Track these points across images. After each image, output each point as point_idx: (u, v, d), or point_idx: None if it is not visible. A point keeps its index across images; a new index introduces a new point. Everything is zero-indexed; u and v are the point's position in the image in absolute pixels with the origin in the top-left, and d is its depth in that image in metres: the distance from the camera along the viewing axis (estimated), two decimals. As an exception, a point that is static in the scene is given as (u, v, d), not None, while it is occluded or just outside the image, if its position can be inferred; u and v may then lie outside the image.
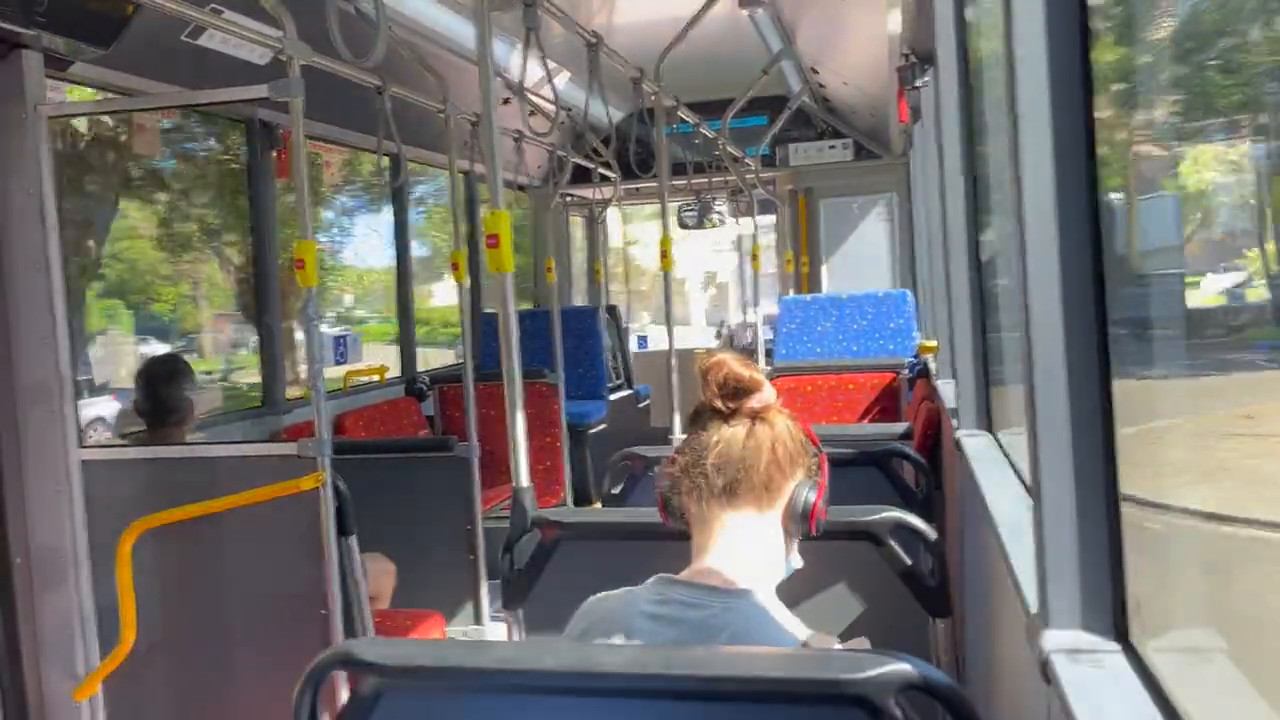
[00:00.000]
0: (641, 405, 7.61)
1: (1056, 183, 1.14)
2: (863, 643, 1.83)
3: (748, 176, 6.91)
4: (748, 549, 1.58)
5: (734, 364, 1.61)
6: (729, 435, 1.59)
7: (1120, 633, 1.14)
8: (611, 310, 7.55)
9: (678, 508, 1.65)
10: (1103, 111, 1.17)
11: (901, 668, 1.16)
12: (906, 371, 5.42)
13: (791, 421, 1.63)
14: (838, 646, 1.51)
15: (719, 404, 1.60)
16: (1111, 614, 1.14)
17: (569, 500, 5.64)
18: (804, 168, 7.73)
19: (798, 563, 1.65)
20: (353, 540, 3.02)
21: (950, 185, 2.90)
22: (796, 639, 1.50)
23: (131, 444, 3.52)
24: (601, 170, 6.84)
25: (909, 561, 1.99)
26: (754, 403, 1.60)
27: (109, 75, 3.44)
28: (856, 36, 5.17)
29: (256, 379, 4.64)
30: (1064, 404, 1.14)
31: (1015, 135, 1.16)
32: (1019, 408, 1.31)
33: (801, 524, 1.59)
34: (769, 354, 6.28)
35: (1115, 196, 1.30)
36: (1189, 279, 1.26)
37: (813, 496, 1.59)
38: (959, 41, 2.77)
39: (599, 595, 1.61)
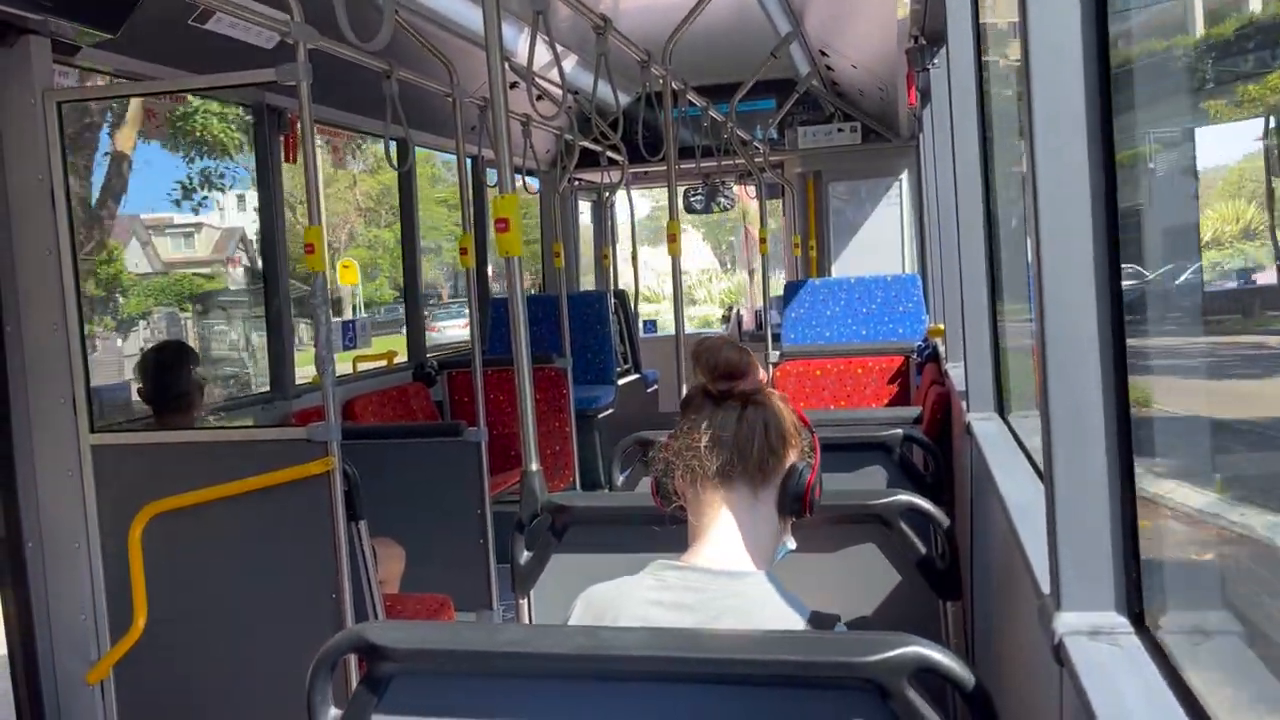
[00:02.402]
0: (650, 390, 7.60)
1: (1071, 163, 1.13)
2: (865, 624, 1.83)
3: (756, 160, 6.89)
4: (744, 531, 1.59)
5: (725, 348, 1.62)
6: (722, 418, 1.60)
7: (1134, 614, 1.14)
8: (619, 295, 7.55)
9: (672, 492, 1.65)
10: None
11: (914, 650, 1.15)
12: (916, 355, 5.40)
13: (783, 403, 1.64)
14: (840, 627, 1.52)
15: (711, 387, 1.61)
16: (1125, 595, 1.14)
17: (577, 485, 5.64)
18: (812, 151, 7.70)
19: (792, 544, 1.66)
20: (362, 525, 3.03)
21: (963, 167, 2.88)
22: (796, 619, 1.50)
23: (142, 429, 3.53)
24: (609, 154, 6.82)
25: (919, 545, 1.99)
26: (746, 385, 1.61)
27: (117, 60, 3.44)
28: (865, 18, 5.14)
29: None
30: (1078, 385, 1.14)
31: (1030, 115, 1.15)
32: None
33: (796, 505, 1.60)
34: (776, 338, 6.27)
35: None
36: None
37: (807, 477, 1.60)
38: (972, 21, 2.75)
39: (596, 585, 1.62)
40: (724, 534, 1.58)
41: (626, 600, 1.56)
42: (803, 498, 1.60)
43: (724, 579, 1.53)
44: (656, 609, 1.53)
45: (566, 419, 5.60)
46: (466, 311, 5.69)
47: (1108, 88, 1.12)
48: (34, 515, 3.05)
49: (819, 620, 1.51)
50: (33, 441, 3.05)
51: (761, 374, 1.64)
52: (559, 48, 3.34)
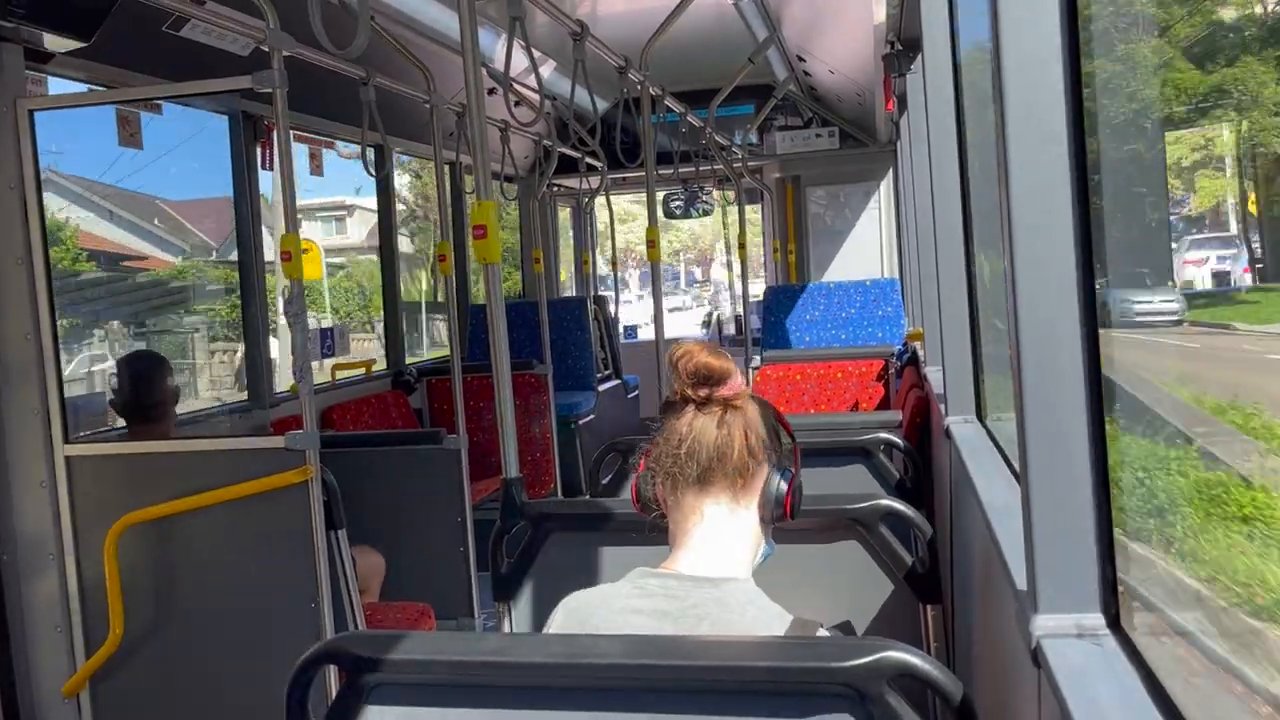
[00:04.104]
0: (631, 396, 7.60)
1: (1044, 167, 1.14)
2: (847, 630, 1.84)
3: (734, 165, 6.91)
4: (725, 537, 1.58)
5: (703, 353, 1.61)
6: (701, 424, 1.59)
7: (1110, 616, 1.15)
8: (599, 301, 7.54)
9: (652, 498, 1.65)
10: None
11: (893, 655, 1.16)
12: (895, 359, 5.43)
13: (763, 407, 1.64)
14: (822, 631, 1.52)
15: (690, 393, 1.61)
16: (1101, 597, 1.15)
17: (558, 492, 5.63)
18: (790, 156, 7.73)
19: (772, 549, 1.65)
20: (342, 533, 3.01)
21: (940, 171, 2.90)
22: (778, 625, 1.49)
23: (118, 439, 3.50)
24: (588, 160, 6.82)
25: (899, 549, 2.00)
26: (725, 391, 1.60)
27: (91, 68, 3.41)
28: (843, 24, 5.17)
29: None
30: (1054, 388, 1.14)
31: (1002, 119, 1.16)
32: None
33: (776, 509, 1.60)
34: (756, 342, 6.28)
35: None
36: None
37: (786, 481, 1.60)
38: (949, 27, 2.77)
39: (577, 592, 1.61)
40: (704, 540, 1.58)
41: (607, 608, 1.55)
42: (784, 502, 1.60)
43: (705, 585, 1.53)
44: (637, 617, 1.52)
45: (547, 425, 5.59)
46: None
47: (1079, 90, 1.13)
48: (8, 526, 3.02)
49: (801, 626, 1.50)
50: (6, 452, 3.01)
51: (740, 379, 1.64)
52: (536, 54, 3.34)
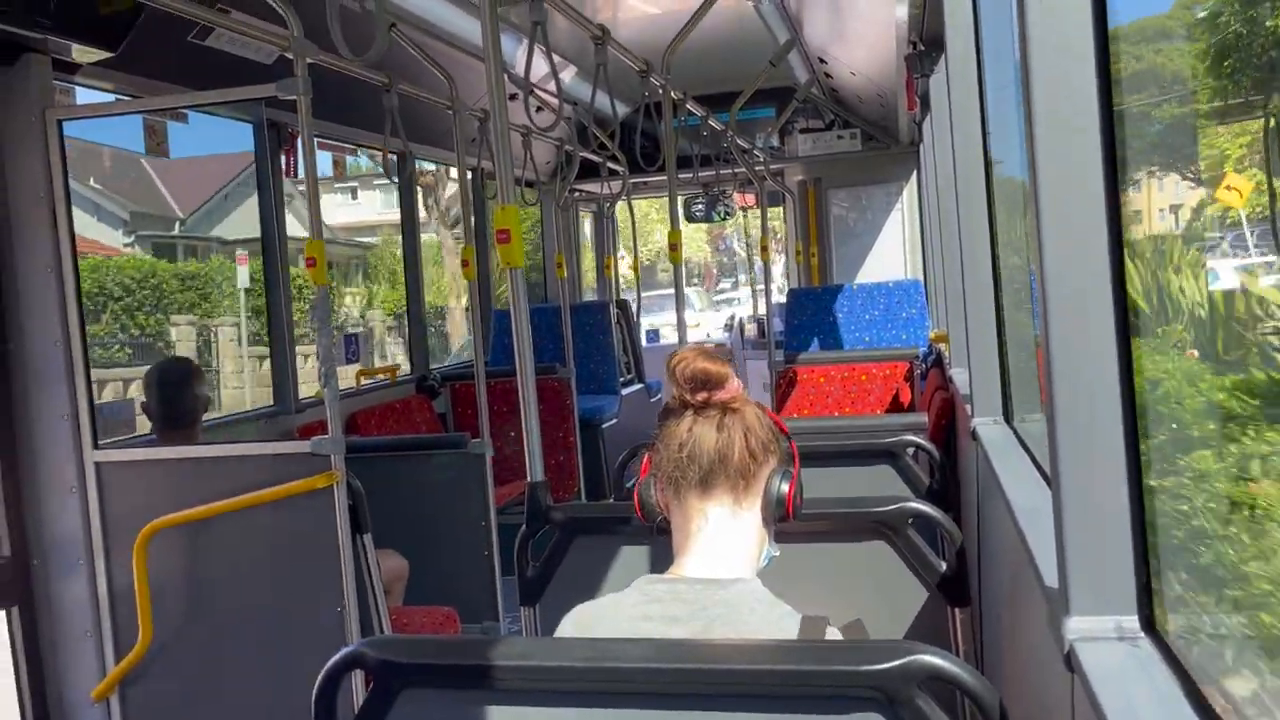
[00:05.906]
0: (654, 399, 7.60)
1: (1074, 167, 1.13)
2: (857, 627, 1.83)
3: (756, 168, 6.89)
4: (728, 539, 1.59)
5: (700, 359, 1.62)
6: (701, 428, 1.60)
7: (1145, 618, 1.13)
8: (622, 305, 7.54)
9: (654, 505, 1.65)
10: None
11: (924, 659, 1.14)
12: (920, 361, 5.40)
13: (759, 410, 1.65)
14: (830, 629, 1.51)
15: (688, 398, 1.62)
16: (1136, 600, 1.13)
17: (582, 495, 5.63)
18: (812, 158, 7.70)
19: (775, 550, 1.66)
20: (367, 537, 3.03)
21: (964, 170, 2.88)
22: (787, 624, 1.49)
23: (147, 445, 3.52)
24: (609, 165, 6.82)
25: (926, 552, 1.98)
26: (722, 395, 1.61)
27: (118, 77, 3.44)
28: (864, 25, 5.15)
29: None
30: (1085, 387, 1.13)
31: (1030, 118, 1.15)
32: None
33: (778, 509, 1.61)
34: (779, 345, 6.26)
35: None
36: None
37: (787, 482, 1.61)
38: (973, 25, 2.75)
39: (581, 605, 1.62)
40: (708, 543, 1.59)
41: (616, 617, 1.55)
42: (785, 502, 1.61)
43: (713, 588, 1.53)
44: (648, 624, 1.52)
45: (570, 429, 5.60)
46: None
47: (1109, 84, 1.11)
48: (37, 533, 3.04)
49: (809, 624, 1.50)
50: (35, 458, 3.04)
51: (737, 382, 1.65)
52: (556, 59, 3.34)
